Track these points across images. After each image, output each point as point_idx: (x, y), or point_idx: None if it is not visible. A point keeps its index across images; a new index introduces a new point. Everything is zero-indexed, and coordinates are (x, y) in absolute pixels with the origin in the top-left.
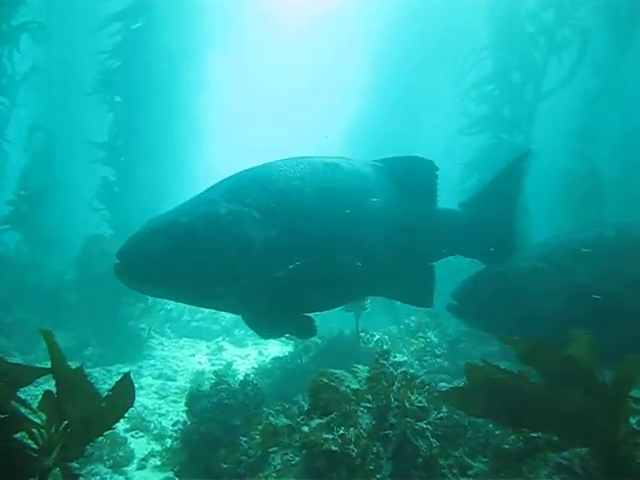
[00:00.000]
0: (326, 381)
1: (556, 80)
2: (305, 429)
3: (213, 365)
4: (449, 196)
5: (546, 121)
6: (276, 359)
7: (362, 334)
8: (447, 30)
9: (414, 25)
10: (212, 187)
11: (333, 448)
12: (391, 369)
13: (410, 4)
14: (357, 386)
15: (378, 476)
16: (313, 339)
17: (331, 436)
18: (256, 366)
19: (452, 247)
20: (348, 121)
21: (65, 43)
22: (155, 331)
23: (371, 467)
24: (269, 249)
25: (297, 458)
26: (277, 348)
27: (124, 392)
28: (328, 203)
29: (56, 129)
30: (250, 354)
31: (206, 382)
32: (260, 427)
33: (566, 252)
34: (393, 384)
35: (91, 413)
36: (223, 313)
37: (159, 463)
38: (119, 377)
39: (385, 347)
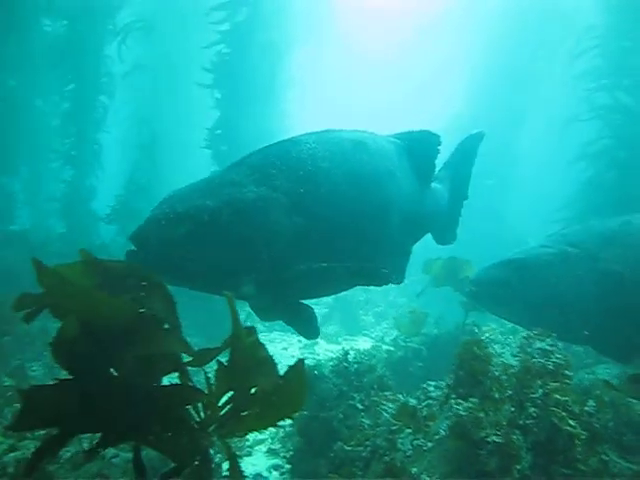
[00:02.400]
0: (478, 352)
1: None
2: (455, 409)
3: (306, 359)
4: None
5: None
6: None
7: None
8: (552, 19)
9: (517, 17)
10: (236, 164)
11: (495, 439)
12: (538, 358)
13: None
14: (511, 362)
15: (518, 467)
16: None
17: (484, 421)
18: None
19: (431, 226)
20: (449, 122)
21: (166, 39)
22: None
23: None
24: (296, 239)
25: (429, 444)
26: (367, 345)
27: (298, 379)
28: (356, 188)
29: (159, 124)
30: (343, 347)
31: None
32: (389, 407)
33: (597, 240)
34: (538, 372)
35: (268, 393)
36: (314, 308)
37: (265, 449)
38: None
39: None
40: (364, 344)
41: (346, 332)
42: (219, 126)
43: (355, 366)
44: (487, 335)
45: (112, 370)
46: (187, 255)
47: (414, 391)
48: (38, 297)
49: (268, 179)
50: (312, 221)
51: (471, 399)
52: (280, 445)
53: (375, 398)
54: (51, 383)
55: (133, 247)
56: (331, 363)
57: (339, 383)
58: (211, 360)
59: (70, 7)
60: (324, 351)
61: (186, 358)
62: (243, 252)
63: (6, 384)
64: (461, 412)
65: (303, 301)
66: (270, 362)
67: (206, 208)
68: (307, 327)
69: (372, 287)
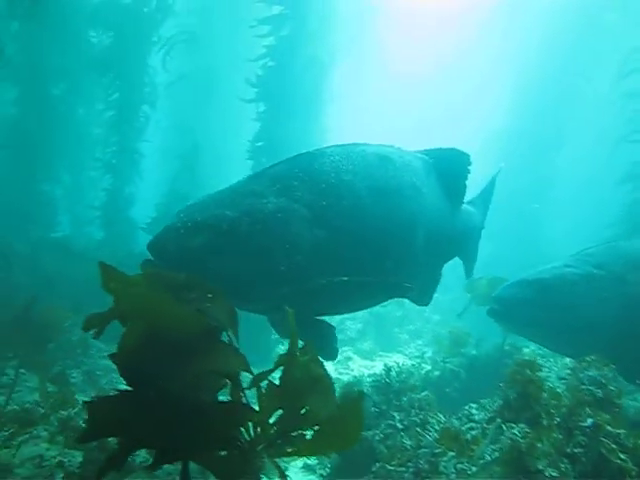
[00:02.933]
0: (531, 375)
1: None
2: (509, 435)
3: (340, 374)
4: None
5: None
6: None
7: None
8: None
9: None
10: (257, 174)
11: (552, 472)
12: (589, 385)
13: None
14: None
15: None
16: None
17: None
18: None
19: (463, 248)
20: (488, 139)
21: (209, 50)
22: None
23: None
24: (316, 252)
25: (473, 468)
26: (402, 360)
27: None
28: (380, 203)
29: (200, 134)
30: (376, 365)
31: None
32: (434, 429)
33: (624, 262)
34: (586, 400)
35: (322, 421)
36: (349, 323)
37: (301, 465)
38: None
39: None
40: (400, 360)
41: (380, 348)
42: (260, 138)
43: (397, 385)
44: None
45: (169, 383)
46: (205, 265)
47: (453, 412)
48: (104, 315)
49: (289, 190)
50: (333, 234)
51: (520, 424)
52: (317, 461)
53: (416, 418)
54: (113, 394)
55: (150, 257)
56: (369, 379)
57: (379, 401)
58: (265, 379)
59: (116, 19)
60: (358, 367)
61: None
62: (262, 263)
63: (49, 390)
64: (518, 439)
65: (323, 318)
66: (326, 381)
67: (225, 217)
68: (325, 346)
69: (407, 304)
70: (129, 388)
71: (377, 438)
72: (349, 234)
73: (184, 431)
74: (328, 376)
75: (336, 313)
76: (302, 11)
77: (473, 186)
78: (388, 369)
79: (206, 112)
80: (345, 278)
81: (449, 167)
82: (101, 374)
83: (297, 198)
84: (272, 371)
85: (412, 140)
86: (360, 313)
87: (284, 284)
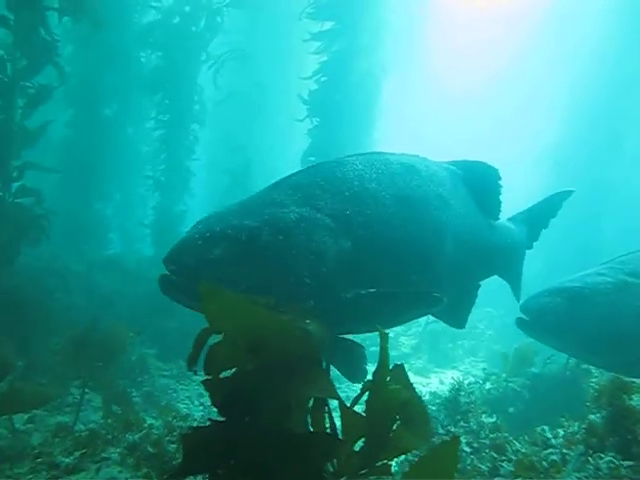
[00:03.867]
0: (626, 400)
1: None
2: (591, 465)
3: None
4: None
5: None
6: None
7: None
8: None
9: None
10: (277, 184)
11: None
12: None
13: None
14: None
15: None
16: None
17: None
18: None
19: (498, 266)
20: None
21: (256, 67)
22: None
23: None
24: (342, 264)
25: None
26: (458, 377)
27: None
28: (406, 213)
29: (250, 151)
30: (431, 382)
31: None
32: (507, 453)
33: None
34: None
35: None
36: (403, 339)
37: None
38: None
39: None
40: (459, 379)
41: (435, 365)
42: (311, 153)
43: (465, 406)
44: (595, 379)
45: (265, 411)
46: (224, 277)
47: (520, 434)
48: (199, 339)
49: (311, 199)
50: (359, 245)
51: (608, 453)
52: None
53: (486, 441)
54: (206, 425)
55: (167, 271)
56: (427, 397)
57: (446, 424)
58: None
59: (165, 38)
60: (414, 384)
61: None
62: (284, 276)
63: (113, 409)
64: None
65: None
66: (417, 407)
67: (244, 227)
68: (353, 367)
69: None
70: (218, 417)
71: None
72: (375, 245)
73: (274, 464)
74: (420, 401)
75: (362, 331)
76: (354, 25)
77: (523, 199)
78: (457, 390)
79: (255, 128)
80: (373, 290)
81: (478, 179)
82: (160, 394)
83: (320, 207)
84: (360, 397)
85: (463, 154)
86: (414, 329)
87: (308, 298)
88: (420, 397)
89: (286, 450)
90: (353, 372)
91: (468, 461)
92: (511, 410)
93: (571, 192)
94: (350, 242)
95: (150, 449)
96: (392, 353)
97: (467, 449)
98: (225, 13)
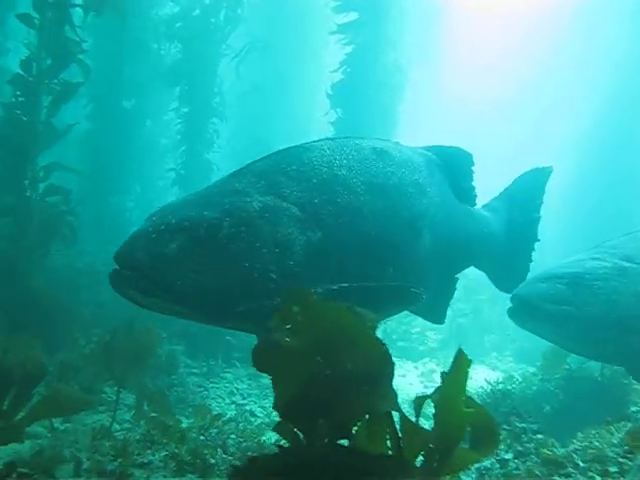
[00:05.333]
0: None
1: None
2: None
3: (426, 387)
4: None
5: None
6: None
7: None
8: None
9: None
10: (239, 171)
11: None
12: None
13: None
14: None
15: None
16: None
17: None
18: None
19: (476, 256)
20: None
21: (278, 58)
22: None
23: None
24: (310, 257)
25: None
26: (485, 373)
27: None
28: (379, 201)
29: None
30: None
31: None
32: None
33: None
34: None
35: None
36: (430, 333)
37: None
38: None
39: None
40: (483, 373)
41: None
42: None
43: (505, 408)
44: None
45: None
46: (181, 274)
47: (559, 438)
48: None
49: (276, 187)
50: (329, 235)
51: None
52: None
53: (530, 445)
54: (262, 456)
55: (117, 267)
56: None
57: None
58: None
59: (185, 31)
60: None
61: None
62: (248, 271)
63: (146, 409)
64: None
65: None
66: (486, 418)
67: (203, 219)
68: None
69: (486, 313)
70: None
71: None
72: (346, 235)
73: None
74: (488, 415)
75: None
76: (378, 16)
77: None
78: (494, 390)
79: (275, 120)
80: (345, 285)
81: (454, 165)
82: (191, 393)
83: (286, 195)
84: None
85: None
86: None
87: (275, 294)
88: (486, 411)
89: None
90: None
91: (513, 466)
92: (547, 409)
93: (548, 171)
94: (319, 233)
95: (188, 455)
96: (420, 348)
97: (509, 455)
98: (245, 3)
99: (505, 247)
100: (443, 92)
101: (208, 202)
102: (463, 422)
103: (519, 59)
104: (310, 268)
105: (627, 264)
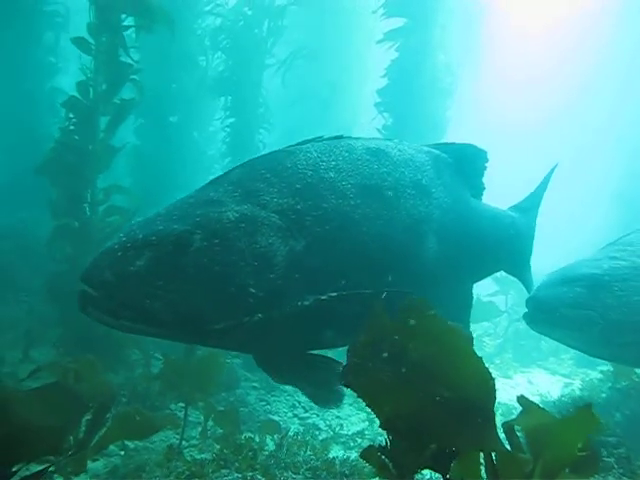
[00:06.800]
0: None
1: None
2: None
3: None
4: None
5: None
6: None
7: None
8: None
9: None
10: (215, 180)
11: None
12: None
13: None
14: None
15: None
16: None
17: None
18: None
19: (502, 260)
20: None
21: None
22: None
23: None
24: (295, 269)
25: None
26: (546, 378)
27: None
28: (373, 204)
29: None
30: (520, 383)
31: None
32: None
33: None
34: None
35: None
36: (487, 339)
37: None
38: None
39: None
40: (542, 378)
41: (520, 364)
42: None
43: None
44: None
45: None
46: (150, 292)
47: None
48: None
49: (255, 195)
50: (314, 244)
51: None
52: None
53: (610, 459)
54: None
55: (85, 288)
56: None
57: None
58: None
59: (228, 42)
60: (499, 385)
61: None
62: (224, 286)
63: (211, 426)
64: None
65: (318, 352)
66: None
67: (171, 233)
68: (324, 390)
69: None
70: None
71: None
72: (335, 243)
73: None
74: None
75: (337, 344)
76: (425, 21)
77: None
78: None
79: (321, 128)
80: (334, 294)
81: (467, 164)
82: (255, 406)
83: (265, 203)
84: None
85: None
86: (498, 328)
87: (255, 310)
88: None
89: None
90: (324, 395)
91: None
92: (617, 416)
93: (555, 166)
94: (303, 242)
95: (262, 476)
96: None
97: None
98: (288, 13)
99: (530, 250)
100: (481, 102)
101: (180, 215)
102: (572, 453)
103: (560, 77)
104: (295, 279)
105: None
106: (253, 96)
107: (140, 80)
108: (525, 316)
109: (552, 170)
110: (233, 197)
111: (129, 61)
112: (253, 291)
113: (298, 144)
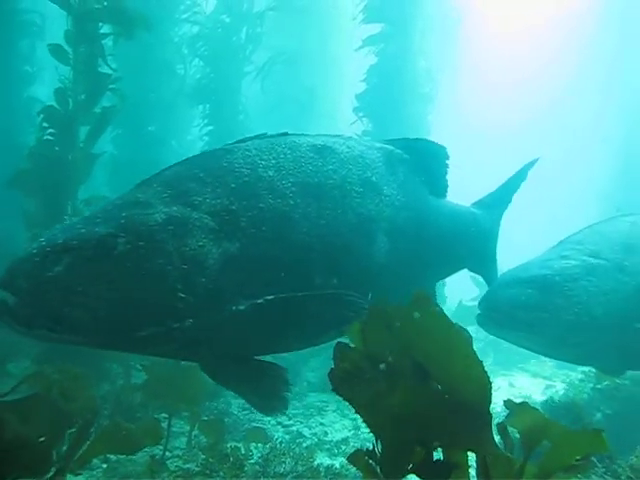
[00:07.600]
0: None
1: None
2: None
3: None
4: None
5: None
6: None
7: None
8: None
9: None
10: (145, 181)
11: None
12: None
13: None
14: None
15: None
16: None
17: None
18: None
19: (465, 258)
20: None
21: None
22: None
23: None
24: (228, 272)
25: None
26: (527, 380)
27: None
28: (315, 204)
29: None
30: (500, 386)
31: None
32: None
33: (616, 247)
34: None
35: None
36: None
37: None
38: None
39: None
40: (524, 381)
41: (502, 367)
42: None
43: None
44: None
45: None
46: (70, 299)
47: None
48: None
49: (185, 196)
50: (249, 247)
51: None
52: None
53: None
54: None
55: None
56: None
57: None
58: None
59: (206, 50)
60: None
61: None
62: (151, 292)
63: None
64: None
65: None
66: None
67: (93, 236)
68: (269, 396)
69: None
70: None
71: None
72: (271, 245)
73: None
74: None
75: (281, 349)
76: (405, 27)
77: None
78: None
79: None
80: (271, 297)
81: (424, 160)
82: (238, 415)
83: (197, 204)
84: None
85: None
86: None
87: (185, 316)
88: None
89: None
90: (268, 402)
91: None
92: (598, 416)
93: (536, 160)
94: (237, 243)
95: None
96: None
97: None
98: (266, 18)
99: (494, 247)
100: (463, 106)
101: (104, 217)
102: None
103: (543, 78)
104: (228, 283)
105: (594, 260)
106: (232, 103)
107: (119, 89)
108: (477, 318)
109: (529, 164)
110: (162, 198)
111: (108, 71)
112: (182, 296)
113: (238, 142)
